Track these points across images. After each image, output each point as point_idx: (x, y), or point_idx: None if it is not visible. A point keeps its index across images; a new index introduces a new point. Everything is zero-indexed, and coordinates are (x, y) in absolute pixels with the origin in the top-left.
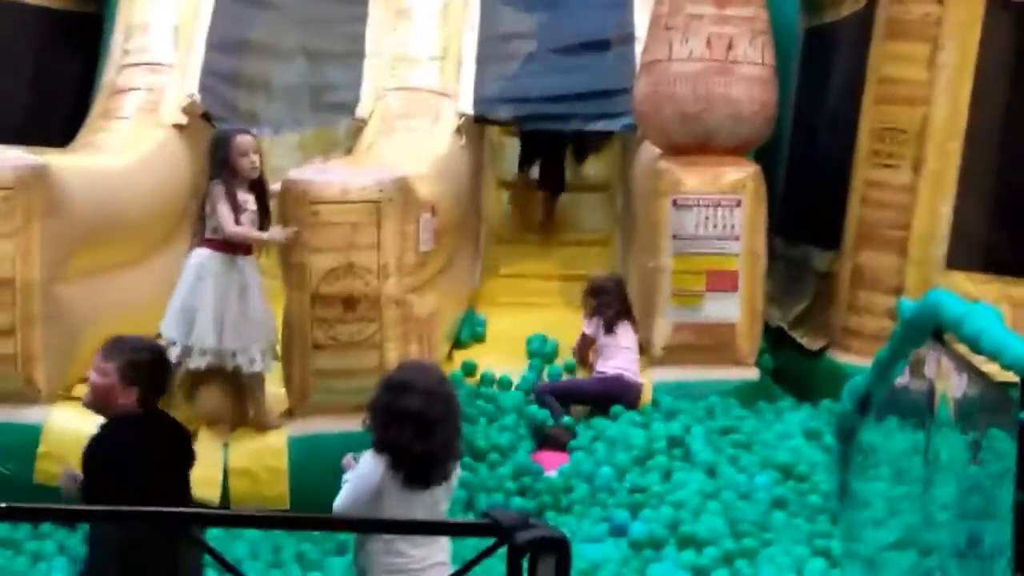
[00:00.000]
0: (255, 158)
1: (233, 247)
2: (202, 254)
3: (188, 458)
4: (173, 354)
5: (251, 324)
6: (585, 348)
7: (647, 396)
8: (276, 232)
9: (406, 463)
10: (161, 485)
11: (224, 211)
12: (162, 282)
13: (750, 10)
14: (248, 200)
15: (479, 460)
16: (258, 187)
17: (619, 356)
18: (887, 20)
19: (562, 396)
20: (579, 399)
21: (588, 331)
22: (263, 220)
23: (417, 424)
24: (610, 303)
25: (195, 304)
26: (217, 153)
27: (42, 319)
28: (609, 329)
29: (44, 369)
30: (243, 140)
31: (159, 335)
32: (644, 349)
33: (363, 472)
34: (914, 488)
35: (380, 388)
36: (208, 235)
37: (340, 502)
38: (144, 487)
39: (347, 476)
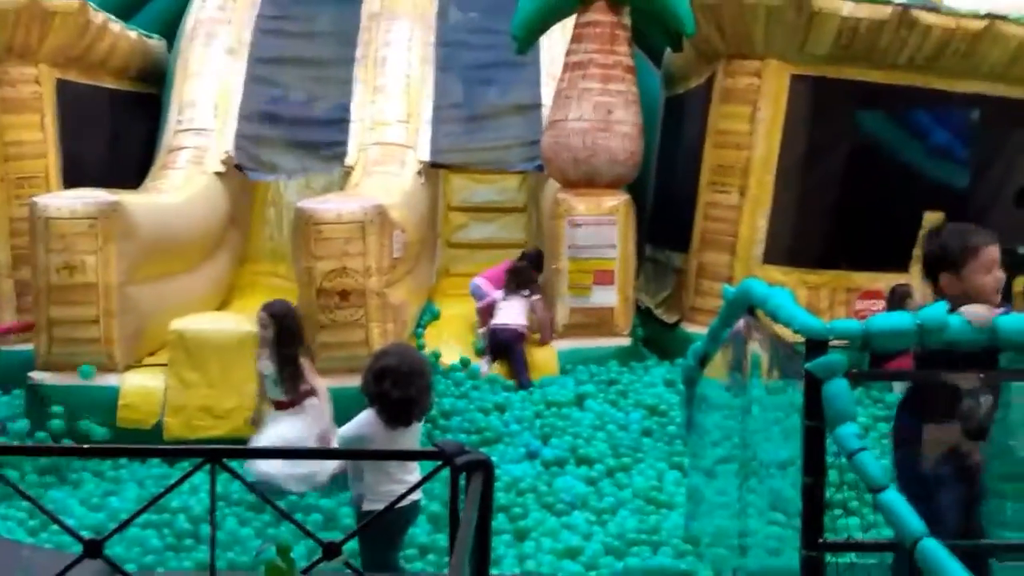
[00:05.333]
0: None
1: None
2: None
3: None
4: None
5: None
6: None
7: (551, 362)
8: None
9: (387, 407)
10: None
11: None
12: (205, 285)
13: (625, 85)
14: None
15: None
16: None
17: (500, 315)
18: (721, 89)
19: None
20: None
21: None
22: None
23: (393, 376)
24: (514, 277)
25: None
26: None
27: (118, 312)
28: (507, 294)
29: (120, 348)
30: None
31: None
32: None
33: (359, 419)
34: (735, 420)
35: (370, 360)
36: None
37: (342, 432)
38: None
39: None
